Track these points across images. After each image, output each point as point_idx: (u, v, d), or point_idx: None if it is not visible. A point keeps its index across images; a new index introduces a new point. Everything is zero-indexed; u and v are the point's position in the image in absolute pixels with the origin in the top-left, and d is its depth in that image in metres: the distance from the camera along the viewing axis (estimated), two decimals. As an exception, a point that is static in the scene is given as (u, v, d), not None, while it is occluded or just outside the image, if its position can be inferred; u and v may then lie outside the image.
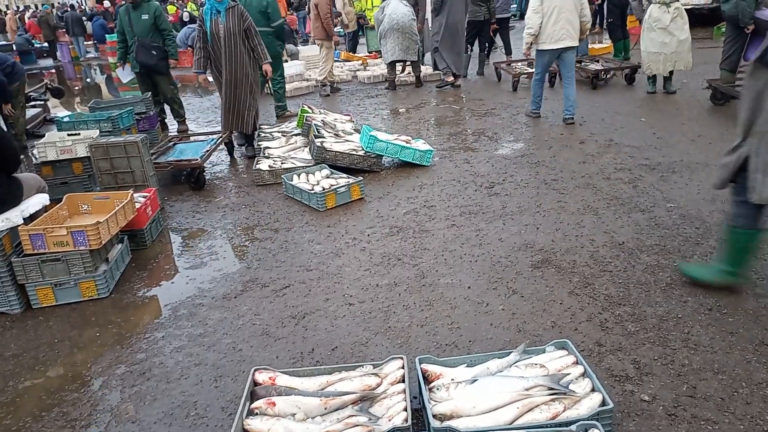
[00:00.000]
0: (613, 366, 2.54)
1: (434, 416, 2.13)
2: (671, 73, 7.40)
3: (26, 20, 22.01)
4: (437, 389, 2.25)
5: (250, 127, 6.21)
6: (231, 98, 6.03)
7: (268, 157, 5.76)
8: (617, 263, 3.41)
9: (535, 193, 4.62)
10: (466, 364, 2.42)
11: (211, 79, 6.33)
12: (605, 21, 11.37)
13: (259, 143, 6.19)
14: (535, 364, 2.32)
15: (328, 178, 5.05)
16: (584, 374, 2.28)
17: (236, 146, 6.65)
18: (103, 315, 3.34)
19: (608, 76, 8.62)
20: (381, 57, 11.50)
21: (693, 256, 3.42)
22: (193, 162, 5.30)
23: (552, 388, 2.17)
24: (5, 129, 4.59)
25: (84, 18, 20.23)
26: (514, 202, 4.48)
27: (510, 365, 2.37)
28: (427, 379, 2.35)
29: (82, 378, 2.79)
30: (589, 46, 10.44)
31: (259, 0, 7.46)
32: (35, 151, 5.15)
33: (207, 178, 5.63)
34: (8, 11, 23.49)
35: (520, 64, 9.26)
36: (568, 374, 2.25)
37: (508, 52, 10.43)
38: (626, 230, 3.84)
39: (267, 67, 6.21)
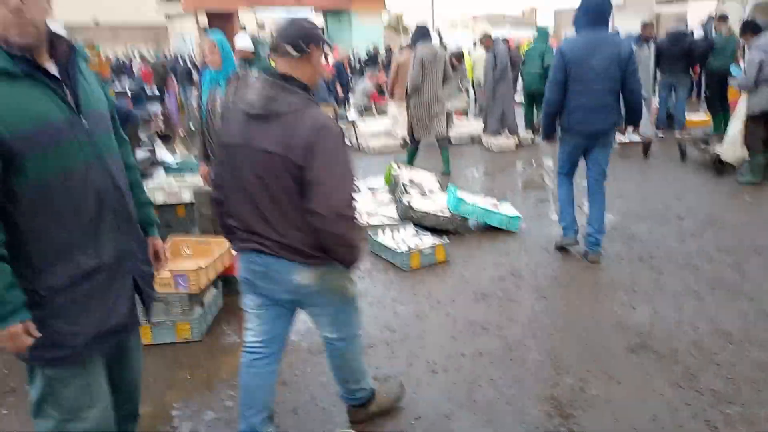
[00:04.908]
0: (724, 473, 2.33)
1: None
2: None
3: (140, 68, 24.05)
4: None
5: None
6: None
7: (355, 212, 5.88)
8: (724, 355, 3.17)
9: (628, 269, 4.42)
10: (559, 453, 2.29)
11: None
12: (703, 93, 11.00)
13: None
14: (637, 462, 2.17)
15: (413, 236, 5.08)
16: (692, 480, 2.10)
17: None
18: (194, 357, 3.46)
19: None
20: (465, 116, 11.66)
21: (812, 354, 3.12)
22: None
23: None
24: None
25: (192, 69, 21.86)
26: (608, 276, 4.30)
27: (608, 459, 2.22)
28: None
29: (171, 419, 2.88)
30: (686, 118, 10.08)
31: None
32: (144, 194, 5.52)
33: (296, 228, 5.80)
34: (135, 58, 25.75)
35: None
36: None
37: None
38: (732, 319, 3.58)
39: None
